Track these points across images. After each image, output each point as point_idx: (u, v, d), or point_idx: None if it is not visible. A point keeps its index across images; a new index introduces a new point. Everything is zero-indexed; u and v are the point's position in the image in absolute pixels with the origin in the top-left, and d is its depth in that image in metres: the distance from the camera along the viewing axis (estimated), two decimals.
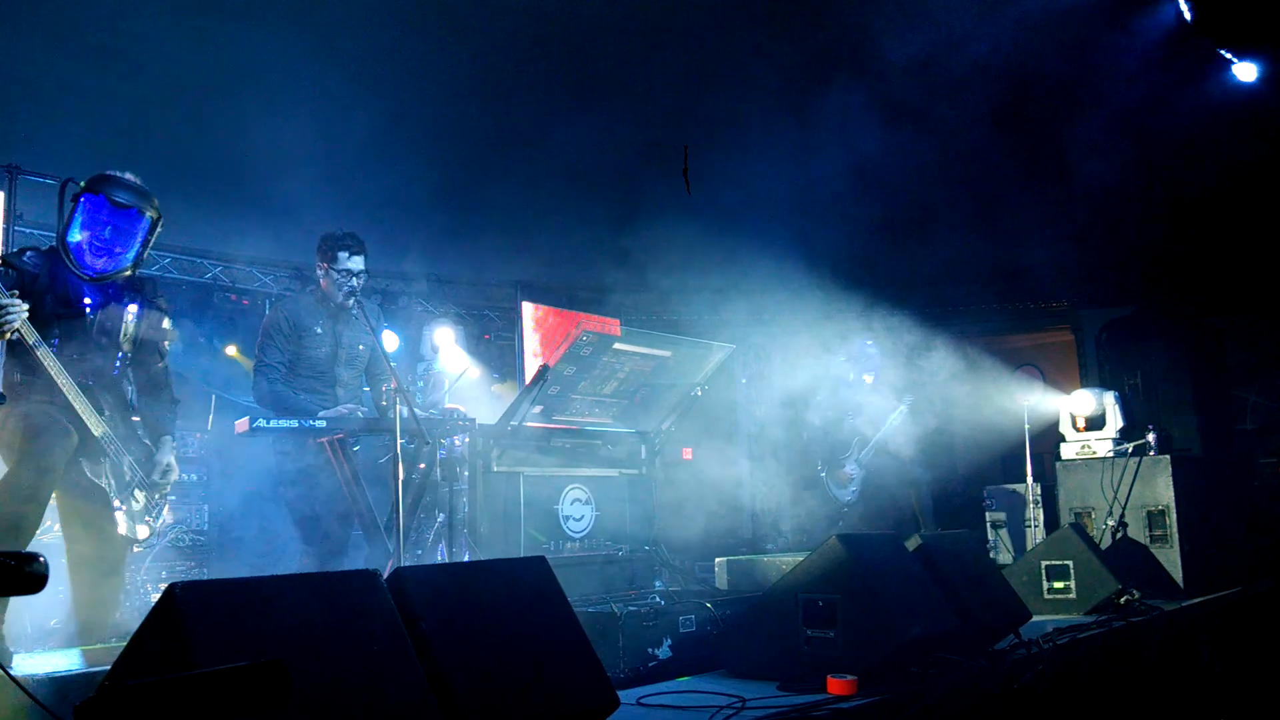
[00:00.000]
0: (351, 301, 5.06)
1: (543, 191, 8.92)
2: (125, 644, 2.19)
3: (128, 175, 4.07)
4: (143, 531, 4.14)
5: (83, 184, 3.97)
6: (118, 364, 4.14)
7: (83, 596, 3.98)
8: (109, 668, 2.25)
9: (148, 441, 4.24)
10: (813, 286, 8.88)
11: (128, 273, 4.10)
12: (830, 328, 8.60)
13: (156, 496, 4.22)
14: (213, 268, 9.35)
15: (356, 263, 5.12)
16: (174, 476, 4.29)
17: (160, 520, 4.26)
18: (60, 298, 3.97)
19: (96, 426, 3.92)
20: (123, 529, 4.04)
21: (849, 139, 7.16)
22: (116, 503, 4.02)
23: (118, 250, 4.01)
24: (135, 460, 4.12)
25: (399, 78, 7.45)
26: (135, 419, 4.26)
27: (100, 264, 3.99)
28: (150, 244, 4.13)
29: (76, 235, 3.96)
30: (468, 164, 8.65)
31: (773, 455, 9.80)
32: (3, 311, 3.61)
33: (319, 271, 5.21)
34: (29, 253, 4.02)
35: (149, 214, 4.03)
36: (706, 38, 7.46)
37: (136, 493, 4.11)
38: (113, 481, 4.02)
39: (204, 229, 8.52)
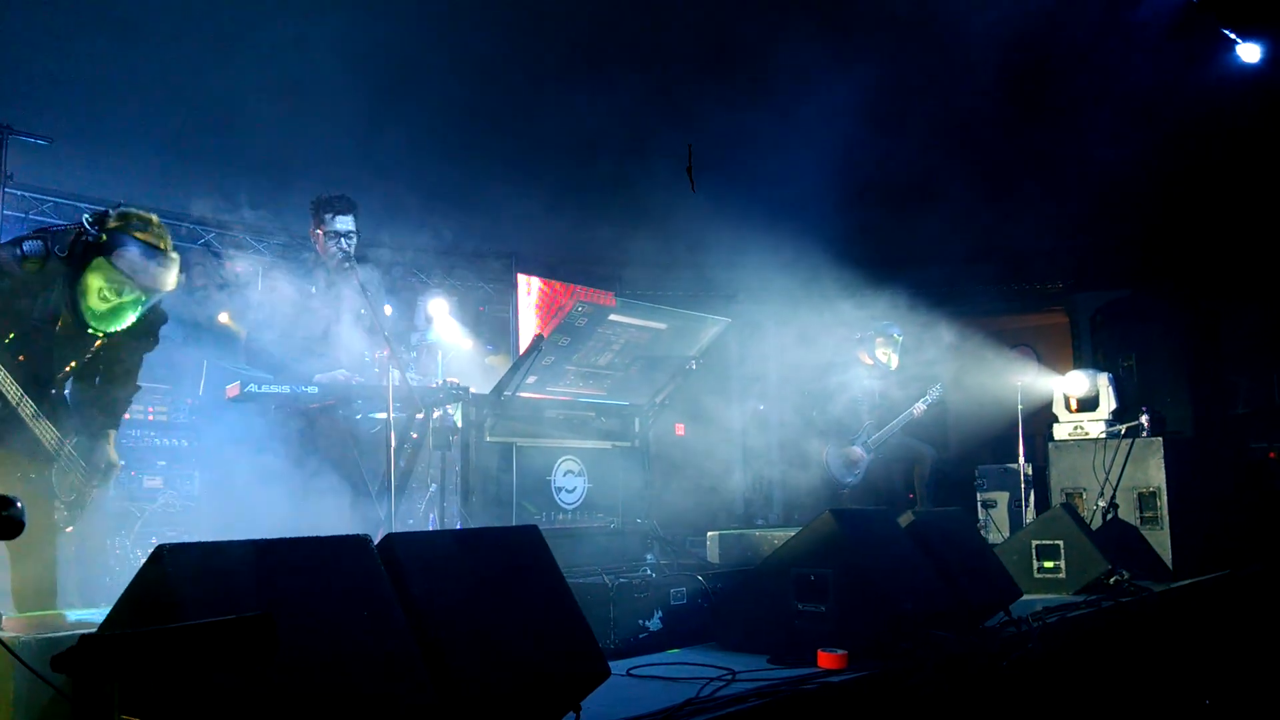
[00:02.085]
0: (347, 265, 5.03)
1: (539, 163, 8.87)
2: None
3: (148, 220, 3.61)
4: (76, 518, 3.92)
5: (102, 236, 3.50)
6: (74, 365, 3.86)
7: (21, 580, 3.74)
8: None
9: (88, 435, 3.95)
10: (807, 263, 8.84)
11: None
12: (825, 304, 8.57)
13: (92, 489, 3.97)
14: (206, 233, 9.28)
15: (345, 223, 5.09)
16: (116, 472, 4.02)
17: (88, 505, 3.96)
18: (42, 311, 3.61)
19: (47, 438, 3.67)
20: (57, 519, 3.84)
21: (847, 113, 7.11)
22: (57, 502, 3.83)
23: (125, 304, 3.63)
24: (80, 455, 3.88)
25: (395, 44, 7.37)
26: (91, 411, 3.99)
27: (106, 325, 3.66)
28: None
29: (84, 291, 3.56)
30: (464, 134, 8.59)
31: (766, 431, 9.80)
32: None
33: (312, 238, 5.18)
34: (29, 243, 3.57)
35: (156, 295, 3.66)
36: (705, 5, 7.39)
37: (75, 489, 3.89)
38: (57, 483, 3.81)
39: (197, 194, 8.45)
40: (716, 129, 7.77)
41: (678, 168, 6.53)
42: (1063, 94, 8.19)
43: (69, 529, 3.94)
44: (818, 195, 8.13)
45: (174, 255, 3.65)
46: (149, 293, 3.63)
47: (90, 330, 3.66)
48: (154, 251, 3.57)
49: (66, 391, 3.92)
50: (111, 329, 3.70)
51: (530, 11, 7.38)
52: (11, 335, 3.62)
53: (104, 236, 3.52)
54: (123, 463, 4.13)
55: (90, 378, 3.98)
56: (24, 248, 3.56)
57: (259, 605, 2.12)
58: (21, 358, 3.63)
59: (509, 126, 8.58)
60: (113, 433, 4.02)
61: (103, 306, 3.60)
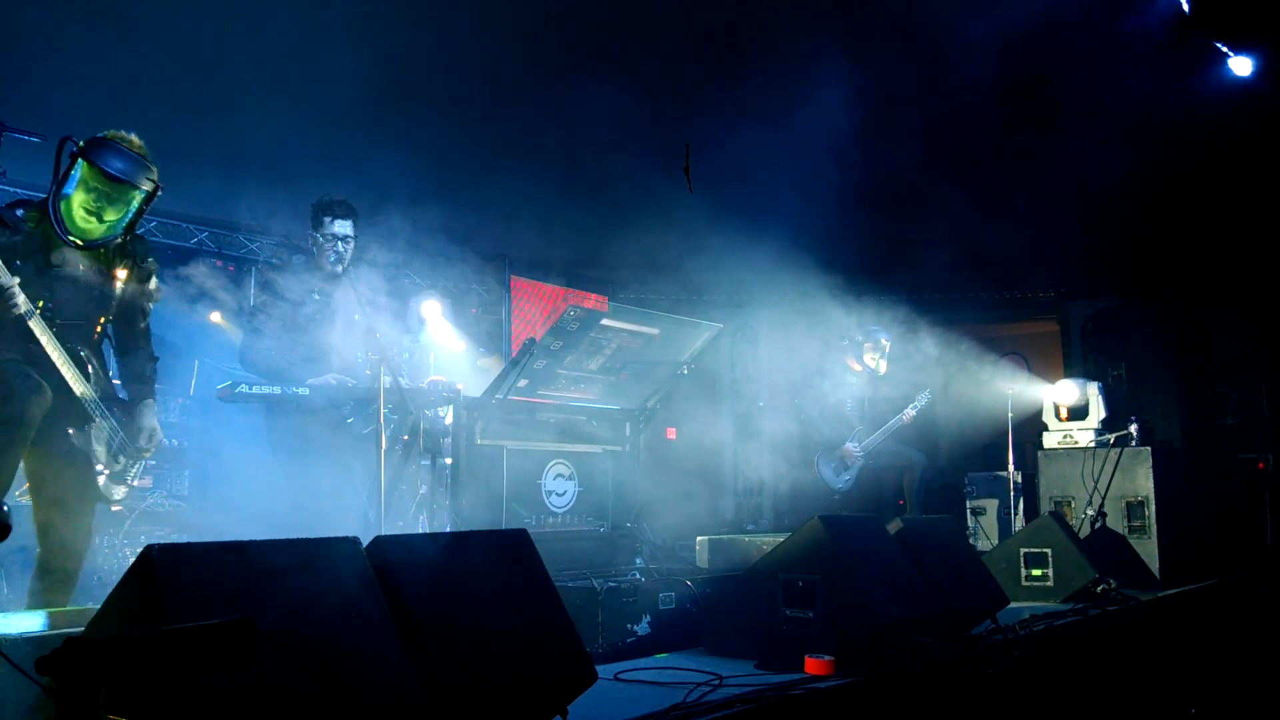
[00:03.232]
0: (340, 267, 5.03)
1: (533, 166, 8.87)
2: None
3: (131, 139, 3.90)
4: (120, 492, 4.09)
5: (80, 144, 3.79)
6: (101, 326, 4.06)
7: (51, 550, 3.87)
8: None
9: (128, 403, 4.16)
10: (799, 269, 8.85)
11: (118, 241, 3.98)
12: (817, 310, 8.58)
13: (137, 459, 4.16)
14: (199, 233, 9.27)
15: (343, 227, 5.09)
16: (158, 440, 4.20)
17: (138, 480, 4.19)
18: (49, 258, 3.85)
19: (78, 385, 3.85)
20: (100, 489, 4.00)
21: (840, 120, 7.13)
22: (100, 466, 3.98)
23: (107, 218, 3.87)
24: (117, 423, 4.06)
25: (390, 46, 7.37)
26: (117, 381, 4.19)
27: (88, 232, 3.85)
28: (144, 212, 4.00)
29: (66, 199, 3.81)
30: (458, 136, 8.58)
31: (757, 436, 9.81)
32: (5, 295, 3.56)
33: (309, 240, 5.19)
34: (20, 208, 3.87)
35: (144, 186, 3.88)
36: (696, 7, 7.40)
37: (119, 456, 4.07)
38: (96, 447, 3.96)
39: (191, 193, 8.44)
40: (710, 134, 7.78)
41: (671, 172, 6.55)
42: (1056, 104, 8.22)
43: (116, 506, 4.18)
44: (810, 201, 8.15)
45: (149, 162, 3.91)
46: (121, 189, 3.84)
47: (71, 239, 3.84)
48: (127, 153, 3.84)
49: (100, 365, 4.06)
50: (94, 239, 3.89)
51: (524, 14, 7.39)
52: (41, 303, 3.81)
53: (83, 144, 3.78)
54: (161, 432, 4.26)
55: (105, 344, 4.15)
56: (20, 211, 3.85)
57: (247, 607, 2.12)
58: (61, 319, 3.85)
59: (503, 129, 8.57)
60: (151, 401, 4.20)
61: (87, 220, 3.84)
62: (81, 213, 3.81)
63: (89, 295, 3.98)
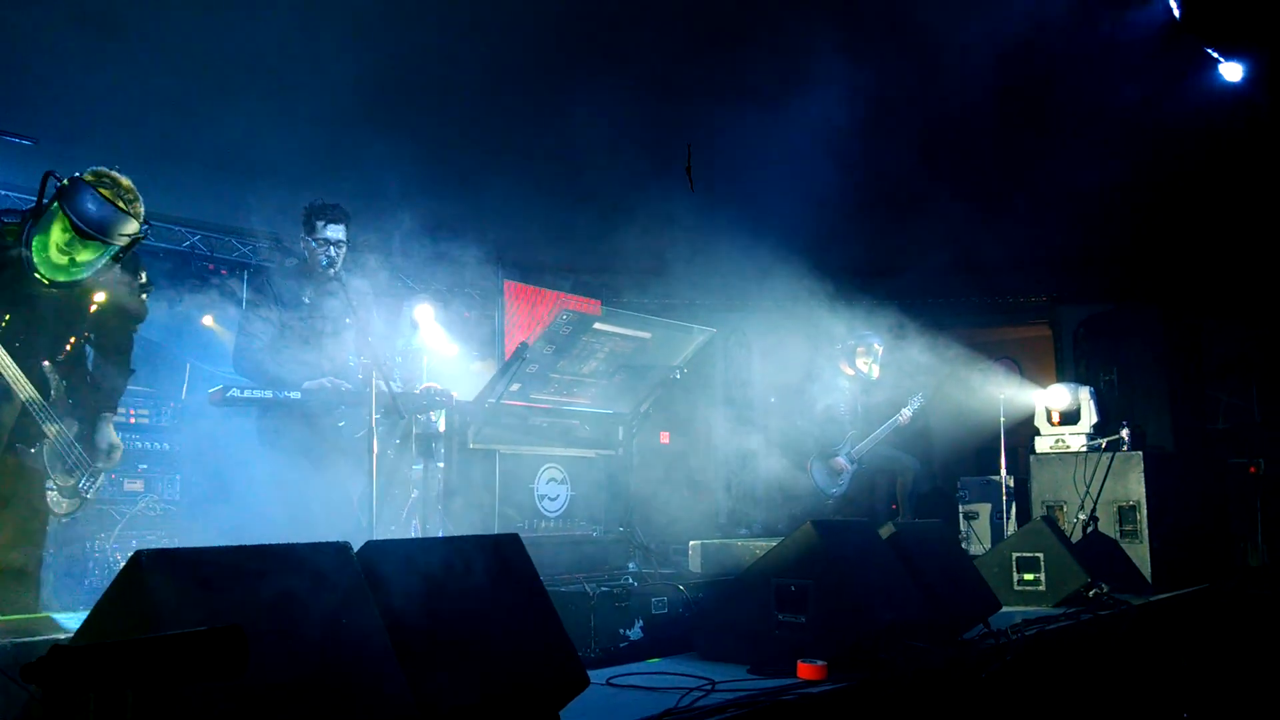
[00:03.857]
0: (331, 271, 5.02)
1: (526, 169, 8.86)
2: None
3: (119, 180, 3.71)
4: (71, 505, 3.99)
5: (63, 183, 3.61)
6: (72, 344, 3.97)
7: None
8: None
9: (89, 419, 4.05)
10: (791, 273, 8.86)
11: (86, 282, 3.83)
12: (810, 315, 8.59)
13: (96, 474, 4.06)
14: (190, 236, 9.24)
15: (335, 231, 5.07)
16: (118, 456, 4.10)
17: (93, 492, 4.06)
18: (27, 273, 3.72)
19: (24, 393, 3.74)
20: (50, 504, 3.92)
21: (830, 120, 7.13)
22: (50, 482, 3.90)
23: (80, 260, 3.70)
24: (77, 438, 3.96)
25: (384, 48, 7.36)
26: (85, 393, 4.08)
27: (57, 271, 3.71)
28: (123, 255, 3.84)
29: (42, 234, 3.66)
30: (452, 140, 8.57)
31: (750, 441, 9.80)
32: None
33: (301, 244, 5.17)
34: (8, 216, 3.76)
35: (116, 242, 3.70)
36: (692, 10, 7.40)
37: (74, 471, 3.97)
38: (49, 462, 3.88)
39: (181, 197, 8.42)
40: (704, 138, 7.78)
41: (666, 176, 6.56)
42: (1048, 108, 8.24)
43: (65, 519, 4.05)
44: (804, 206, 8.15)
45: (129, 214, 3.71)
46: (92, 241, 3.66)
47: (37, 276, 3.70)
48: (104, 204, 3.63)
49: (64, 382, 3.98)
50: (60, 280, 3.74)
51: (519, 16, 7.38)
52: (6, 318, 3.72)
53: (66, 183, 3.62)
54: (123, 445, 4.19)
55: (83, 362, 4.07)
56: (4, 219, 3.74)
57: (238, 612, 2.11)
58: (25, 335, 3.74)
59: (498, 132, 8.57)
60: (110, 415, 4.11)
61: (59, 259, 3.68)
62: (55, 251, 3.66)
63: (58, 316, 3.88)
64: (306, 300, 5.08)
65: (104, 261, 3.78)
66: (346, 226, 5.14)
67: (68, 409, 3.97)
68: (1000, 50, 6.93)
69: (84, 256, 3.70)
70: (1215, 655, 6.27)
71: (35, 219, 3.68)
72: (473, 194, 9.26)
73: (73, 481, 3.97)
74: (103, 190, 3.64)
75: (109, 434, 4.08)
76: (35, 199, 3.73)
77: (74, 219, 3.58)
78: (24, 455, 3.82)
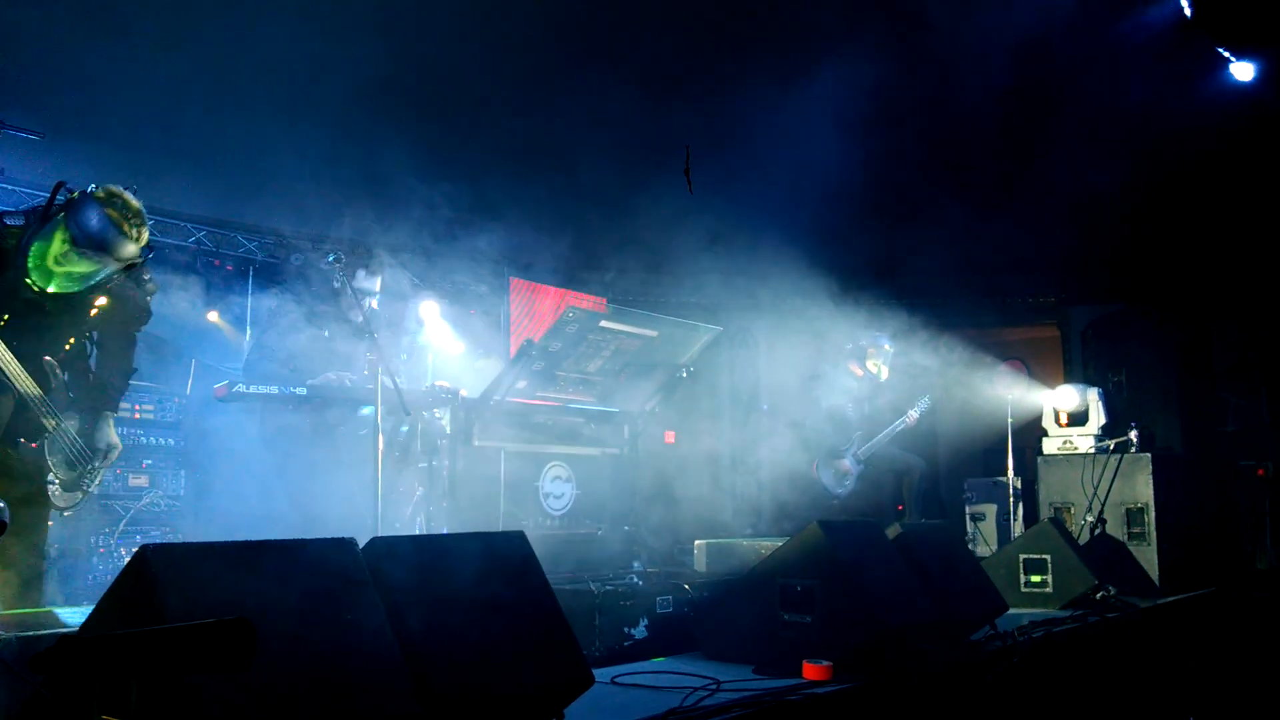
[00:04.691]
0: (360, 319, 4.97)
1: (532, 167, 8.86)
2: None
3: (128, 200, 3.65)
4: (71, 499, 3.99)
5: (73, 195, 3.58)
6: (72, 343, 3.96)
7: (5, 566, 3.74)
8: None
9: (90, 415, 4.04)
10: (798, 273, 8.84)
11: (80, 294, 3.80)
12: (817, 315, 8.56)
13: (94, 471, 4.06)
14: (196, 231, 9.24)
15: (370, 283, 5.13)
16: (114, 456, 4.10)
17: (93, 485, 4.06)
18: (21, 278, 3.67)
19: (27, 388, 3.74)
20: (51, 498, 3.92)
21: (840, 124, 7.12)
22: (51, 475, 3.91)
23: (77, 272, 3.67)
24: (78, 433, 3.97)
25: (387, 43, 7.36)
26: (86, 388, 4.07)
27: (52, 279, 3.67)
28: (121, 275, 3.80)
29: (43, 242, 3.62)
30: (458, 138, 8.57)
31: (756, 441, 9.78)
32: None
33: (335, 280, 5.13)
34: (11, 218, 3.73)
35: (110, 266, 3.66)
36: (699, 8, 7.40)
37: (75, 465, 3.97)
38: (50, 458, 3.89)
39: (190, 191, 8.42)
40: (711, 138, 7.77)
41: (671, 174, 6.54)
42: (1057, 109, 8.21)
43: (67, 512, 4.05)
44: (810, 205, 8.13)
45: (130, 238, 3.65)
46: (91, 259, 3.62)
47: (29, 282, 3.66)
48: (109, 223, 3.58)
49: (65, 375, 3.96)
50: (53, 289, 3.70)
51: (524, 15, 7.38)
52: (6, 317, 3.69)
53: (75, 195, 3.59)
54: (121, 445, 4.17)
55: (85, 358, 4.05)
56: (6, 220, 3.71)
57: (243, 607, 2.10)
58: (26, 334, 3.71)
59: (504, 130, 8.56)
60: (110, 414, 4.09)
61: (57, 267, 3.64)
62: (53, 260, 3.62)
63: (60, 315, 3.86)
64: (325, 334, 5.12)
65: (97, 280, 3.73)
66: (382, 278, 5.17)
67: (68, 403, 3.97)
68: (1010, 50, 6.91)
69: (78, 269, 3.65)
70: (1222, 659, 6.24)
71: (39, 225, 3.66)
72: (479, 191, 9.25)
73: (73, 475, 3.98)
74: (110, 210, 3.60)
75: (108, 433, 4.07)
76: (40, 195, 3.71)
77: (75, 232, 3.55)
78: (24, 449, 3.82)
